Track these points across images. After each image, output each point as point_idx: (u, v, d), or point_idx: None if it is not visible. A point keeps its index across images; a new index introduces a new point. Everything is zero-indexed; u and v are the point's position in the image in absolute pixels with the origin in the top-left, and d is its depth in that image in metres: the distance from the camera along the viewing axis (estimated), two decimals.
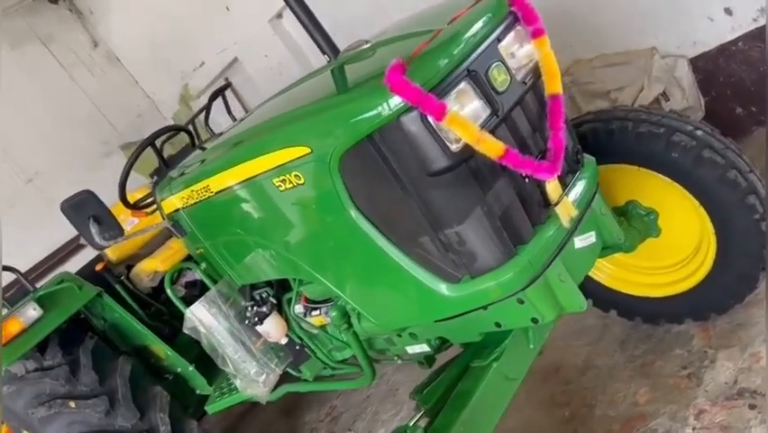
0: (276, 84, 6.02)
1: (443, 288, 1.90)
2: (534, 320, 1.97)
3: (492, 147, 1.65)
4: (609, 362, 2.99)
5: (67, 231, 6.22)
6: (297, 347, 2.89)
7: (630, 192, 2.64)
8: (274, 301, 2.73)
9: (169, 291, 3.03)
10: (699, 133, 2.35)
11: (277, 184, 2.06)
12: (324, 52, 3.05)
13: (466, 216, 1.79)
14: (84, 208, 2.65)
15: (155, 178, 3.42)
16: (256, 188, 2.17)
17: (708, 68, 3.74)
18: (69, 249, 6.09)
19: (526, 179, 1.83)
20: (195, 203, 2.60)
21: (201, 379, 3.47)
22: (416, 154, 1.70)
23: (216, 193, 2.40)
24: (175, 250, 3.67)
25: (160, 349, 3.53)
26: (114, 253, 3.88)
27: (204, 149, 3.08)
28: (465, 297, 1.88)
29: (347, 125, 1.75)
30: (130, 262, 3.96)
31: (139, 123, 7.30)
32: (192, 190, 2.54)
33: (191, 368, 3.46)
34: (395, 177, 1.78)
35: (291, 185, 2.01)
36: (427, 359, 2.54)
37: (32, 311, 3.22)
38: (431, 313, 2.00)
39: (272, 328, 2.72)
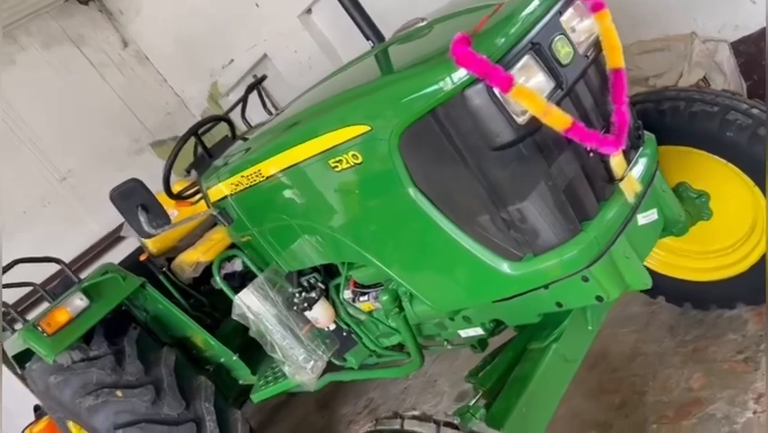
0: (306, 79, 6.03)
1: (504, 266, 1.87)
2: (599, 298, 1.94)
3: (560, 119, 1.63)
4: (659, 348, 2.95)
5: (100, 228, 6.40)
6: (345, 334, 2.88)
7: (680, 174, 2.59)
8: (322, 287, 2.72)
9: (217, 279, 3.04)
10: (754, 111, 2.31)
11: (333, 165, 2.05)
12: (368, 38, 3.06)
13: (530, 192, 1.77)
14: (132, 197, 2.67)
15: (191, 173, 3.44)
16: (310, 170, 2.17)
17: (750, 51, 3.69)
18: (102, 246, 6.16)
19: (591, 154, 1.80)
20: (243, 189, 2.60)
21: (245, 368, 3.48)
22: (480, 128, 1.68)
23: (267, 178, 2.40)
24: (216, 241, 3.68)
25: (203, 339, 3.55)
26: (154, 245, 3.91)
27: (246, 139, 3.09)
28: (527, 275, 1.86)
29: (409, 101, 1.74)
30: (170, 255, 3.98)
31: (168, 121, 7.37)
32: (242, 176, 2.55)
33: (235, 358, 3.47)
34: (457, 152, 1.76)
35: (348, 165, 2.00)
36: (480, 343, 2.51)
37: (78, 301, 3.25)
38: (491, 293, 1.98)
39: (321, 314, 2.72)
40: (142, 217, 2.67)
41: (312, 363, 2.81)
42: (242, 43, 6.43)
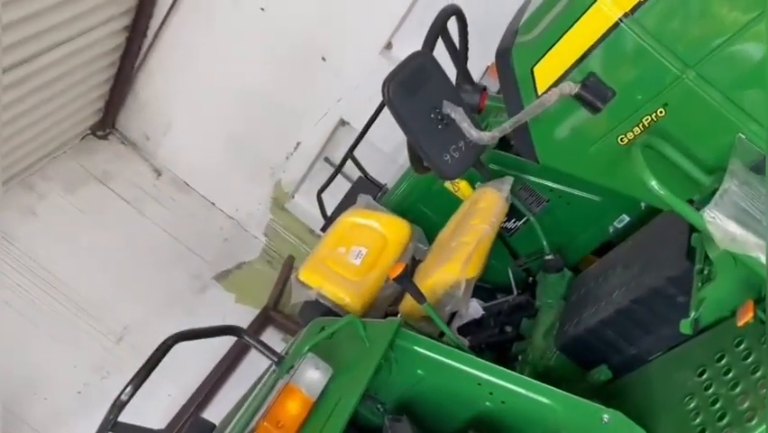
0: (400, 138, 4.86)
1: None
2: None
3: None
4: None
5: (180, 390, 4.79)
6: None
7: None
8: None
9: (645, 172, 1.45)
10: None
11: None
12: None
13: None
14: (426, 85, 1.34)
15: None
16: None
17: None
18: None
19: None
20: None
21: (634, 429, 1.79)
22: None
23: None
24: (472, 244, 2.17)
25: (535, 403, 1.88)
26: (354, 299, 2.37)
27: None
28: None
29: None
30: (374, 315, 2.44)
31: (228, 248, 5.99)
32: None
33: (607, 418, 1.79)
34: None
35: None
36: None
37: (313, 372, 1.66)
38: None
39: None
40: (457, 116, 1.30)
41: None
42: (309, 116, 5.27)
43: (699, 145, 1.47)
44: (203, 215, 6.10)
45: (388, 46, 4.88)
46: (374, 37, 4.82)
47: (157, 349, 1.76)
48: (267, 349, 1.90)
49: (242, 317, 5.55)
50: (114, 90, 5.67)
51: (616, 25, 1.38)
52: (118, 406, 1.71)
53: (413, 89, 1.39)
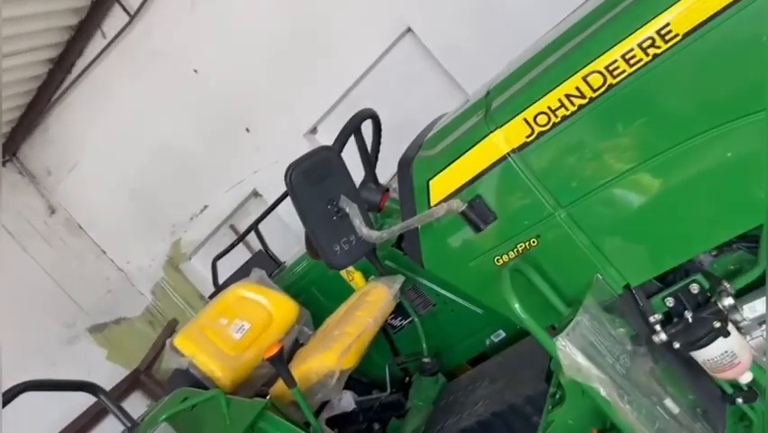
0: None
1: None
2: None
3: None
4: None
5: None
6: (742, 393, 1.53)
7: None
8: (731, 290, 1.44)
9: (517, 308, 1.56)
10: None
11: None
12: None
13: None
14: (328, 179, 1.44)
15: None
16: None
17: None
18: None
19: None
20: (570, 115, 1.42)
21: None
22: None
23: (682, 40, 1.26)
24: (353, 336, 2.21)
25: None
26: (226, 373, 2.32)
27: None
28: None
29: None
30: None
31: (109, 300, 5.72)
32: (575, 87, 1.38)
33: None
34: None
35: None
36: None
37: None
38: None
39: (740, 347, 1.40)
40: (354, 212, 1.40)
41: None
42: (222, 182, 5.27)
43: (562, 278, 1.62)
44: (90, 261, 5.84)
45: (313, 131, 5.03)
46: (301, 120, 4.95)
47: (2, 394, 1.66)
48: (122, 413, 1.83)
49: (110, 376, 5.22)
50: (23, 118, 5.47)
51: (504, 158, 1.54)
52: None
53: (314, 179, 1.47)
